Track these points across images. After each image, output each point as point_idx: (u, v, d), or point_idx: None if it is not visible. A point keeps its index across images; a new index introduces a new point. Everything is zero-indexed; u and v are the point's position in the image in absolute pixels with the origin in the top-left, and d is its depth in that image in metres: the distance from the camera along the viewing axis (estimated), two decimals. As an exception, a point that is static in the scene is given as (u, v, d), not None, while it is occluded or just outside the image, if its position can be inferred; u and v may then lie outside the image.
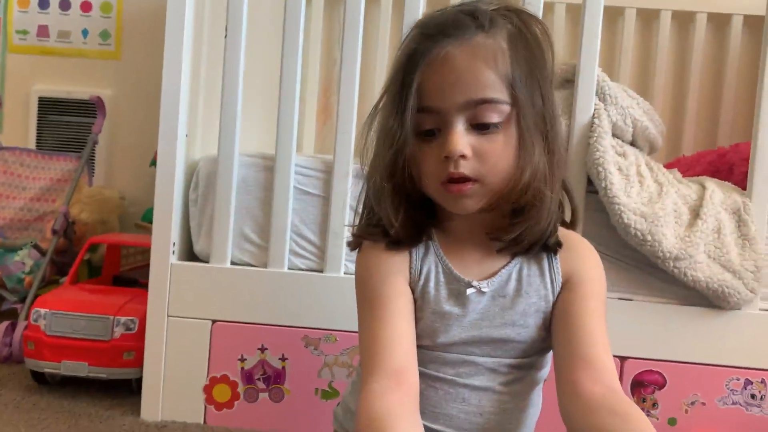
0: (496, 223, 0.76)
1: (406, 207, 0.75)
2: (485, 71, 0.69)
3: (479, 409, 0.76)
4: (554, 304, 0.77)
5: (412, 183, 0.74)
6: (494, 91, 0.69)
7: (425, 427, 0.74)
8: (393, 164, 0.73)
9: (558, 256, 0.77)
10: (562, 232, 0.79)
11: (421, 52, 0.71)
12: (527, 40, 0.72)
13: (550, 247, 0.77)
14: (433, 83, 0.70)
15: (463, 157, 0.69)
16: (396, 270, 0.76)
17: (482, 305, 0.76)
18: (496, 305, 0.76)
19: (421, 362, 0.75)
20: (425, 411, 0.76)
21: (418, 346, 0.75)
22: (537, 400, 0.82)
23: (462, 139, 0.69)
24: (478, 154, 0.70)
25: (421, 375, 0.75)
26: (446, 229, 0.79)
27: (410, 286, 0.76)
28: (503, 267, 0.77)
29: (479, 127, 0.70)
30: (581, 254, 0.78)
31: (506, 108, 0.70)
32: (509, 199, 0.72)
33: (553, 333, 0.76)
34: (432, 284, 0.76)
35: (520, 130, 0.71)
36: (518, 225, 0.74)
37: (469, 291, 0.75)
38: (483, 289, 0.76)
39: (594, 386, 0.68)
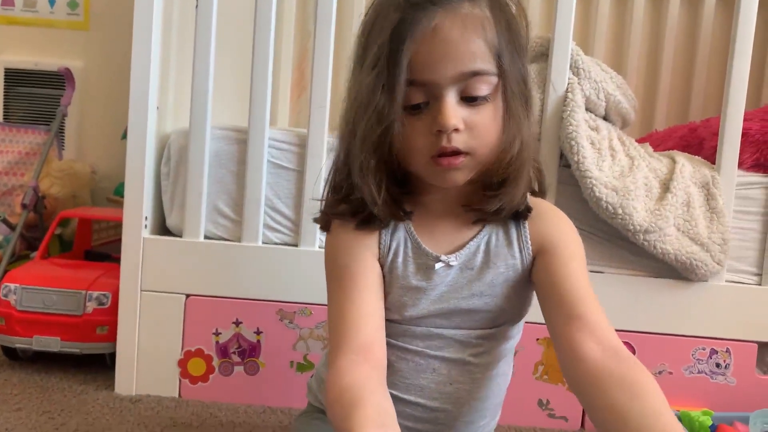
0: (474, 195, 0.76)
1: (387, 184, 0.73)
2: (476, 41, 0.68)
3: (449, 378, 0.77)
4: (531, 272, 0.77)
5: (394, 158, 0.72)
6: (484, 62, 0.69)
7: (397, 398, 0.76)
8: (380, 141, 0.70)
9: (527, 224, 0.77)
10: (532, 200, 0.79)
11: (409, 22, 0.67)
12: (506, 9, 0.72)
13: (520, 213, 0.77)
14: (424, 55, 0.68)
15: (455, 130, 0.69)
16: (365, 246, 0.76)
17: (450, 278, 0.76)
18: (464, 277, 0.76)
19: (392, 335, 0.76)
20: (396, 382, 0.77)
21: (388, 320, 0.76)
22: (507, 370, 0.83)
23: (456, 113, 0.68)
24: (469, 126, 0.69)
25: (392, 347, 0.76)
26: (419, 204, 0.78)
27: (379, 262, 0.76)
28: (471, 239, 0.77)
29: (469, 100, 0.69)
30: (553, 220, 0.79)
31: (494, 79, 0.70)
32: (497, 170, 0.72)
33: (542, 301, 0.76)
34: (400, 259, 0.76)
35: (507, 100, 0.71)
36: (500, 196, 0.73)
37: (438, 265, 0.76)
38: (451, 263, 0.76)
39: (593, 345, 0.66)
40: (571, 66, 1.21)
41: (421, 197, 0.78)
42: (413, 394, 0.77)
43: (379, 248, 0.77)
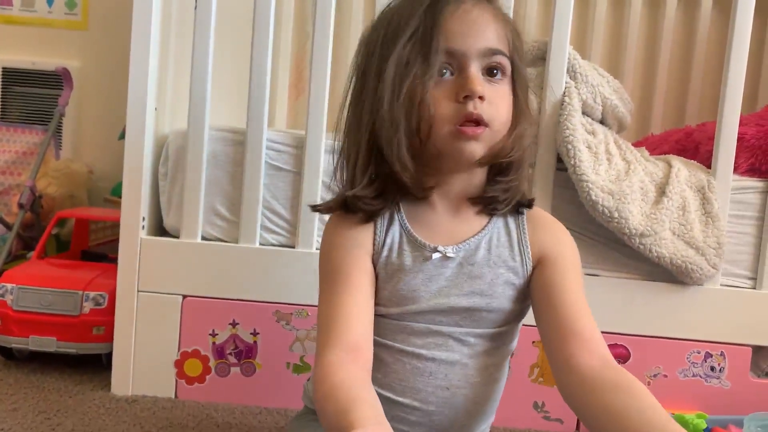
0: (473, 186, 0.79)
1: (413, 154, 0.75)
2: (499, 27, 0.76)
3: (446, 382, 0.77)
4: (530, 280, 0.79)
5: (415, 139, 0.74)
6: (504, 46, 0.76)
7: (392, 400, 0.77)
8: (413, 107, 0.73)
9: (527, 229, 0.80)
10: (533, 209, 0.82)
11: (443, 2, 0.74)
12: (510, 20, 0.79)
13: (520, 206, 0.81)
14: (456, 28, 0.73)
15: (480, 98, 0.73)
16: (359, 244, 0.77)
17: (450, 272, 0.77)
18: (464, 273, 0.77)
19: (389, 334, 0.77)
20: (393, 385, 0.77)
21: (386, 316, 0.77)
22: (503, 375, 0.83)
23: (481, 82, 0.73)
24: (489, 99, 0.73)
25: (388, 348, 0.77)
26: (416, 199, 0.80)
27: (374, 258, 0.78)
28: (473, 236, 0.79)
29: (490, 74, 0.75)
30: (552, 230, 0.82)
31: (509, 65, 0.76)
32: (510, 151, 0.77)
33: (537, 311, 0.78)
34: (396, 253, 0.78)
35: (516, 88, 0.78)
36: (507, 182, 0.79)
37: (435, 256, 0.77)
38: (448, 254, 0.77)
39: (590, 360, 0.70)
40: (568, 70, 1.22)
41: (430, 189, 0.79)
42: (409, 397, 0.78)
43: (374, 245, 0.78)
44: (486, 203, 0.79)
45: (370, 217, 0.78)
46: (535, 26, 1.94)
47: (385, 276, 0.78)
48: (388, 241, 0.78)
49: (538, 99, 1.22)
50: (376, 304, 0.78)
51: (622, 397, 0.65)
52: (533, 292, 0.79)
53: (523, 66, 0.79)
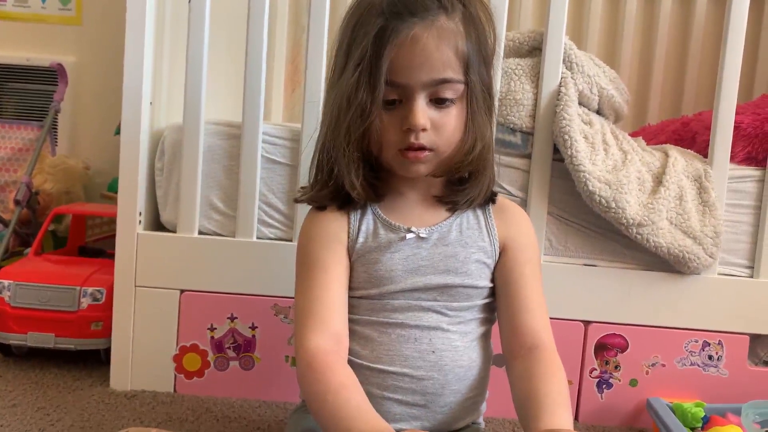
0: (443, 187, 0.86)
1: (364, 171, 0.82)
2: (448, 53, 0.77)
3: (431, 346, 0.82)
4: (496, 266, 0.85)
5: (369, 148, 0.81)
6: (454, 72, 0.78)
7: (384, 371, 0.81)
8: (361, 134, 0.78)
9: (493, 216, 0.86)
10: (500, 198, 0.89)
11: (390, 30, 0.76)
12: (475, 20, 0.80)
13: (485, 200, 0.87)
14: (402, 61, 0.76)
15: (423, 129, 0.78)
16: (334, 237, 0.83)
17: (425, 252, 0.83)
18: (439, 253, 0.83)
19: (372, 312, 0.82)
20: (381, 356, 0.81)
21: (366, 297, 0.82)
22: (487, 344, 0.88)
23: (424, 114, 0.77)
24: (435, 126, 0.79)
25: (372, 323, 0.82)
26: (393, 189, 0.86)
27: (350, 247, 0.83)
28: (444, 220, 0.85)
29: (437, 102, 0.78)
30: (516, 219, 0.88)
31: (461, 86, 0.79)
32: (461, 167, 0.82)
33: (496, 292, 0.86)
34: (371, 238, 0.83)
35: (470, 105, 0.80)
36: (467, 190, 0.84)
37: (409, 236, 0.83)
38: (422, 235, 0.83)
39: (526, 352, 0.81)
40: (564, 60, 1.21)
41: (395, 184, 0.86)
42: (398, 365, 0.81)
43: (349, 234, 0.83)
44: (449, 204, 0.86)
45: (342, 206, 0.84)
46: (531, 16, 1.94)
47: (362, 260, 0.83)
48: (363, 228, 0.84)
49: (534, 90, 1.21)
50: (357, 287, 0.83)
51: (529, 380, 0.77)
52: (495, 274, 0.86)
53: (482, 77, 0.81)
